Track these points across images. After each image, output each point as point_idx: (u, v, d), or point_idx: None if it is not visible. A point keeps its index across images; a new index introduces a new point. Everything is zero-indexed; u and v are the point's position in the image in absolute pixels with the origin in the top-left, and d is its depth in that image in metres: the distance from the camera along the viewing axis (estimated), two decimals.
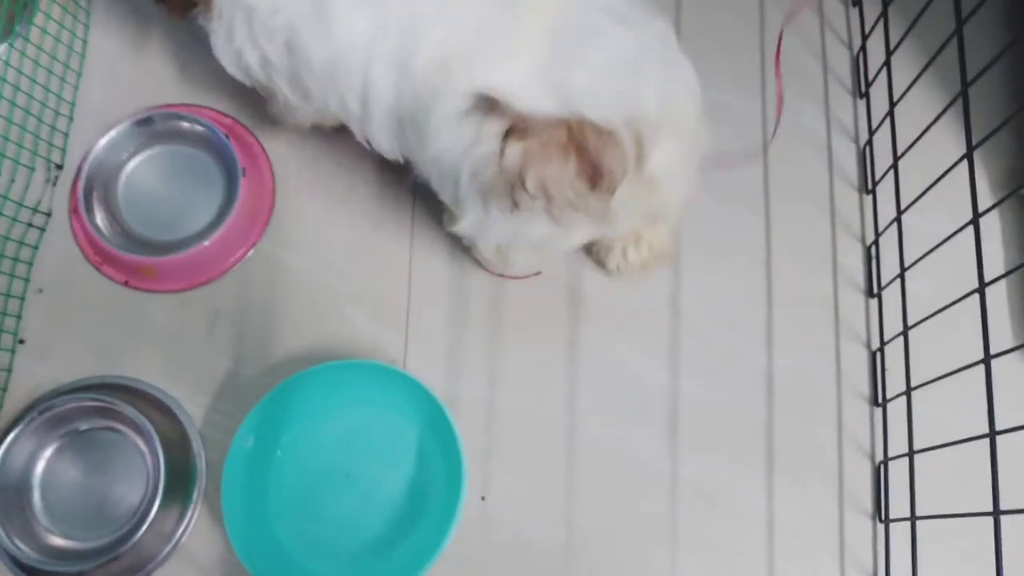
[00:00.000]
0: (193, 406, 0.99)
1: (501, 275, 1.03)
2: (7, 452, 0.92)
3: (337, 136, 1.08)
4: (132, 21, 1.16)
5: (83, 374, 1.00)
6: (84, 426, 0.96)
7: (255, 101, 1.05)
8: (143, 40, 1.15)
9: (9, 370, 1.00)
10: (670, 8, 1.17)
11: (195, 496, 0.95)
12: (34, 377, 1.00)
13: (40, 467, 0.95)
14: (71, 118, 1.12)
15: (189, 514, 0.94)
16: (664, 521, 0.96)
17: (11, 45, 1.10)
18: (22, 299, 1.03)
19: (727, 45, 1.16)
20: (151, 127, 1.07)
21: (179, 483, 0.94)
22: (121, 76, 1.14)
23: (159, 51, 1.14)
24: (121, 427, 0.96)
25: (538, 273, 1.04)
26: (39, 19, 1.13)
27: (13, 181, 1.05)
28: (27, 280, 1.04)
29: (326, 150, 1.09)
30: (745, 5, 1.18)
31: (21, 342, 1.02)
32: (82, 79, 1.13)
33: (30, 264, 1.04)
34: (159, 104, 1.09)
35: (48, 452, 0.96)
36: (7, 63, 1.07)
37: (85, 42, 1.15)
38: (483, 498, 0.97)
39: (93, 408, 0.95)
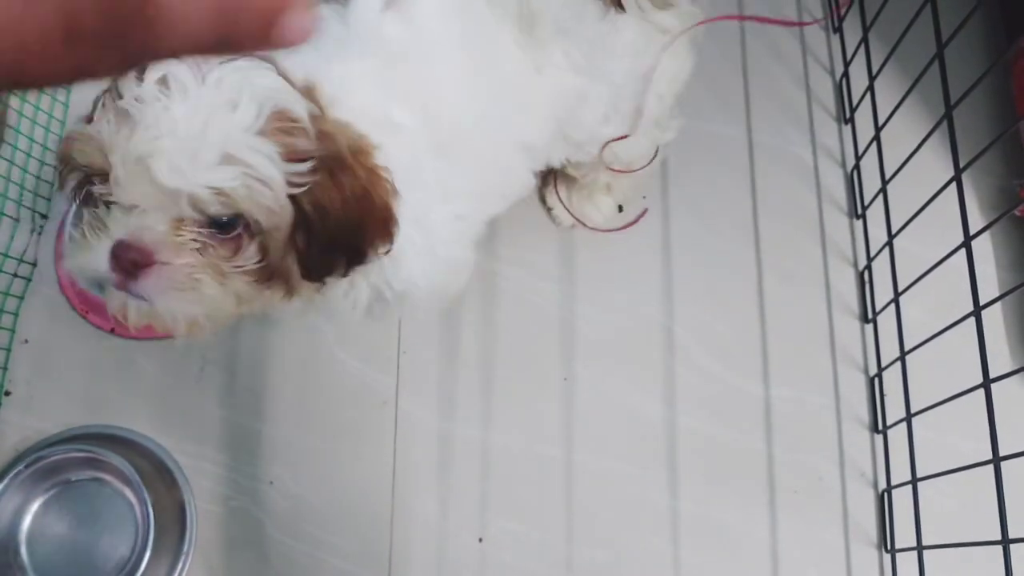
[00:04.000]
0: (182, 454, 0.97)
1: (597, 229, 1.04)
2: None
3: None
4: None
5: (70, 424, 0.98)
6: (71, 478, 0.94)
7: None
8: None
9: None
10: None
11: (185, 547, 0.93)
12: (21, 429, 0.99)
13: (27, 522, 0.93)
14: (63, 121, 1.11)
15: (180, 565, 0.92)
16: (666, 558, 0.94)
17: None
18: (8, 351, 1.01)
19: None
20: None
21: (169, 534, 0.92)
22: None
23: None
24: (109, 478, 0.94)
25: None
26: None
27: None
28: (13, 331, 1.02)
29: None
30: None
31: (7, 394, 1.00)
32: (65, 128, 1.13)
33: (16, 315, 1.03)
34: None
35: (35, 506, 0.94)
36: None
37: (68, 91, 1.15)
38: (480, 540, 0.95)
39: (80, 459, 0.93)
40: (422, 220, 0.68)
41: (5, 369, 1.01)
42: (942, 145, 0.85)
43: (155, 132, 0.53)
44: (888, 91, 1.03)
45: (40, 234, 1.07)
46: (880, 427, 0.98)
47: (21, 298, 1.04)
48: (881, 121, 1.01)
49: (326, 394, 1.00)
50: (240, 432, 0.98)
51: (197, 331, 0.62)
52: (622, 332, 1.03)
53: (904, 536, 0.92)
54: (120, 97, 0.55)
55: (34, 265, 1.06)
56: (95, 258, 0.57)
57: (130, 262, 0.56)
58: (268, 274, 0.61)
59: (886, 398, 0.99)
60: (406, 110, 0.66)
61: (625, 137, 0.85)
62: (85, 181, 0.59)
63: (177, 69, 0.55)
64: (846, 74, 1.14)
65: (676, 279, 1.05)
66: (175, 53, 0.23)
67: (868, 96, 1.05)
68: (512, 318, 1.03)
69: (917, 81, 0.91)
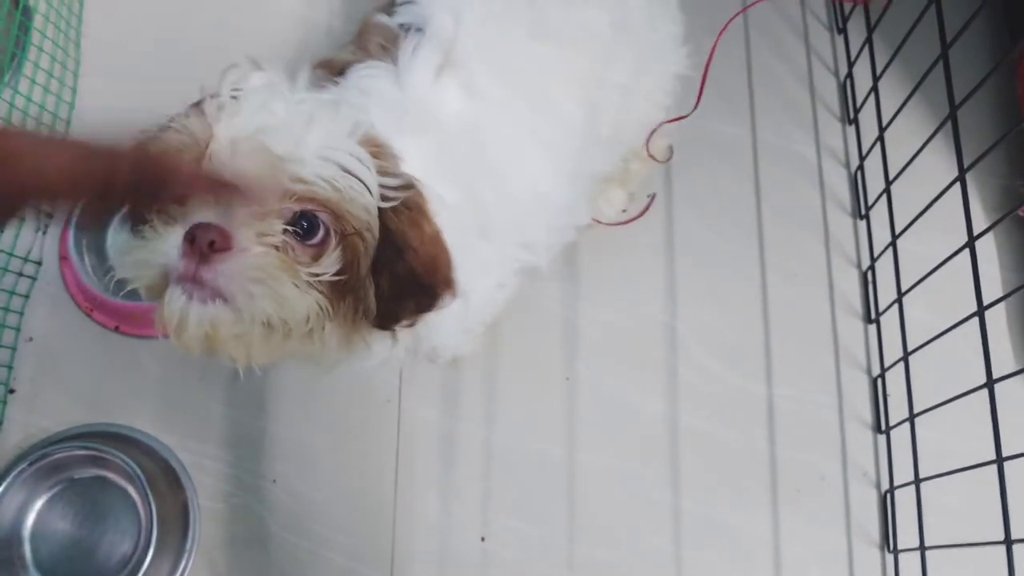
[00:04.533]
0: (185, 452, 0.97)
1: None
2: None
3: None
4: (119, 69, 1.16)
5: (74, 422, 0.99)
6: (75, 475, 0.95)
7: None
8: (130, 89, 1.15)
9: (0, 421, 0.99)
10: None
11: (188, 544, 0.93)
12: (25, 427, 0.99)
13: (31, 519, 0.94)
14: None
15: (183, 563, 0.92)
16: (667, 557, 0.94)
17: None
18: (13, 349, 1.02)
19: None
20: None
21: (172, 531, 0.92)
22: (109, 124, 1.13)
23: (147, 99, 1.14)
24: (112, 475, 0.94)
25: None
26: (28, 69, 1.13)
27: (3, 231, 1.05)
28: (18, 330, 1.03)
29: None
30: None
31: (12, 392, 1.00)
32: (71, 127, 1.13)
33: (21, 314, 1.03)
34: None
35: (39, 503, 0.94)
36: None
37: (74, 91, 1.15)
38: (483, 539, 0.95)
39: (84, 457, 0.93)
40: (463, 294, 0.66)
41: (10, 367, 1.01)
42: (946, 146, 0.86)
43: (263, 114, 0.53)
44: (892, 92, 1.03)
45: (45, 233, 1.08)
46: (883, 427, 0.98)
47: (26, 297, 1.04)
48: (885, 122, 1.01)
49: (330, 392, 1.00)
50: (243, 430, 0.98)
51: (256, 352, 0.57)
52: (624, 331, 1.03)
53: (907, 536, 0.92)
54: (217, 96, 0.55)
55: (39, 264, 1.06)
56: (165, 245, 0.53)
57: (208, 243, 0.51)
58: (343, 292, 0.57)
59: (889, 398, 0.99)
60: (456, 190, 0.64)
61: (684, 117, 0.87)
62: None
63: (275, 76, 0.56)
64: (850, 75, 1.14)
65: (679, 278, 1.05)
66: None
67: (872, 97, 1.05)
68: (514, 318, 1.03)
69: (921, 82, 0.91)
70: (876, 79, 1.03)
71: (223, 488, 0.96)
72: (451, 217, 0.62)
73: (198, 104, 0.55)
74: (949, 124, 0.82)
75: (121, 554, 0.93)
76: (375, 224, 0.56)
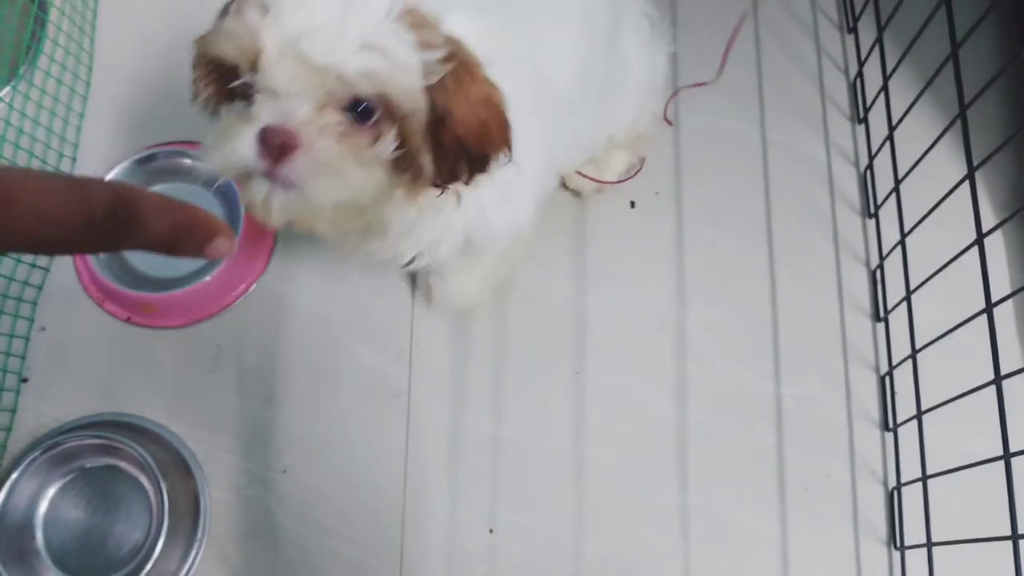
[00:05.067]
0: (196, 442, 0.98)
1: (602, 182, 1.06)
2: (10, 492, 0.91)
3: None
4: (133, 61, 1.17)
5: (86, 412, 1.00)
6: (87, 464, 0.96)
7: None
8: (144, 80, 1.16)
9: (14, 410, 1.00)
10: None
11: (199, 534, 0.94)
12: (37, 416, 1.00)
13: (43, 507, 0.95)
14: (74, 159, 1.12)
15: (193, 553, 0.93)
16: (675, 553, 0.95)
17: (15, 88, 1.12)
18: (26, 339, 1.03)
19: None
20: (153, 164, 1.07)
21: (183, 521, 0.93)
22: (123, 115, 1.15)
23: (160, 90, 1.15)
24: (124, 464, 0.95)
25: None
26: (42, 62, 1.14)
27: None
28: (31, 320, 1.04)
29: None
30: None
31: (24, 381, 1.01)
32: (84, 120, 1.14)
33: (34, 304, 1.04)
34: (161, 142, 1.10)
35: (51, 491, 0.95)
36: (11, 106, 1.08)
37: (88, 84, 1.16)
38: (491, 531, 0.95)
39: (96, 446, 0.94)
40: (517, 164, 0.70)
41: (23, 357, 1.02)
42: (955, 144, 0.86)
43: (301, 16, 0.55)
44: (902, 91, 1.03)
45: None
46: (890, 425, 0.99)
47: (40, 287, 1.05)
48: (895, 121, 1.02)
49: (339, 385, 1.01)
50: (254, 421, 0.99)
51: (336, 224, 0.64)
52: (633, 327, 1.03)
53: (913, 533, 0.93)
54: None
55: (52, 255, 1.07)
56: (242, 146, 0.58)
57: (277, 147, 0.57)
58: (404, 166, 0.63)
59: (896, 396, 0.99)
60: (511, 69, 0.67)
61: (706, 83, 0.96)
62: (222, 79, 0.62)
63: None
64: (860, 74, 1.15)
65: (687, 275, 1.06)
66: (142, 247, 0.34)
67: (882, 96, 1.05)
68: (523, 313, 1.04)
69: (931, 81, 0.91)
70: (886, 78, 1.04)
71: (233, 479, 0.97)
72: (502, 84, 0.65)
73: (239, 4, 0.59)
74: (958, 123, 0.83)
75: (132, 542, 0.93)
76: (424, 98, 0.60)
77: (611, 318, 1.04)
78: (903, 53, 0.98)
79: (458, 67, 0.61)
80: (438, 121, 0.61)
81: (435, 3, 0.62)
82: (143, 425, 0.98)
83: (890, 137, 1.02)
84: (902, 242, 0.98)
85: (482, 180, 0.68)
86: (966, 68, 0.83)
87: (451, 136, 0.62)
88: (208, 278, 1.00)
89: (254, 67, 0.57)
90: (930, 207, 0.90)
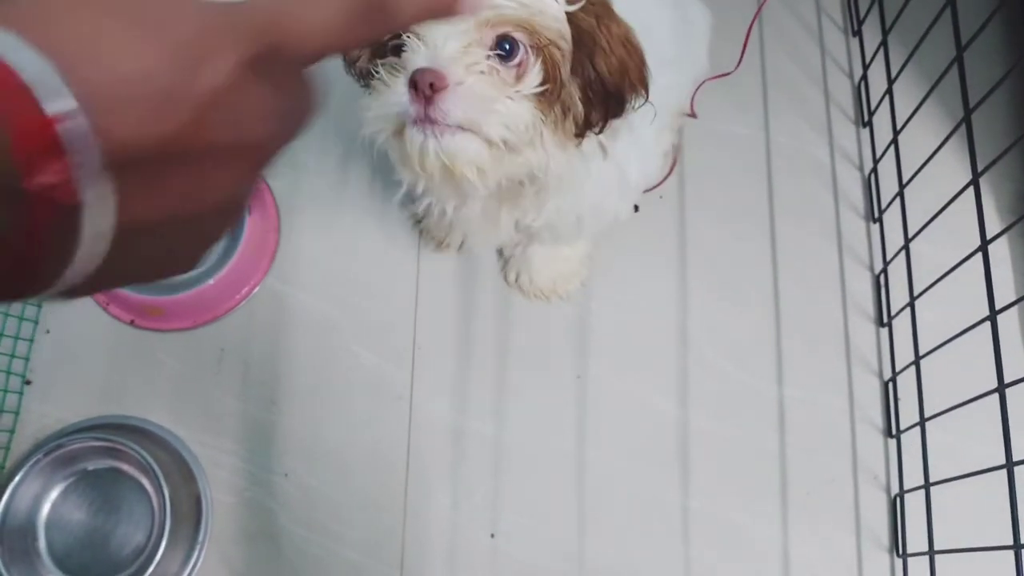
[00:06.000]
0: (198, 445, 0.98)
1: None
2: (13, 494, 0.91)
3: (342, 172, 1.08)
4: None
5: (89, 414, 1.00)
6: (90, 466, 0.96)
7: None
8: None
9: (17, 412, 1.00)
10: None
11: (201, 537, 0.94)
12: (41, 417, 1.00)
13: (46, 509, 0.95)
14: None
15: (195, 555, 0.93)
16: (677, 557, 0.94)
17: None
18: (31, 341, 1.03)
19: None
20: None
21: (185, 523, 0.93)
22: None
23: None
24: (126, 467, 0.96)
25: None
26: None
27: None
28: (36, 322, 1.04)
29: (330, 186, 1.10)
30: None
31: (28, 383, 1.02)
32: None
33: (39, 306, 1.05)
34: None
35: (54, 494, 0.95)
36: None
37: None
38: (492, 535, 0.95)
39: (99, 448, 0.94)
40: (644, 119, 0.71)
41: (27, 359, 1.02)
42: (960, 149, 0.85)
43: None
44: (907, 94, 1.03)
45: None
46: (894, 431, 0.98)
47: None
48: (899, 124, 1.01)
49: (342, 388, 1.01)
50: (256, 424, 0.99)
51: (489, 170, 0.64)
52: (636, 330, 1.03)
53: (916, 540, 0.92)
54: None
55: None
56: (396, 92, 0.60)
57: (428, 85, 0.59)
58: (550, 101, 0.63)
59: (900, 402, 0.99)
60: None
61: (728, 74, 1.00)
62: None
63: None
64: (865, 77, 1.14)
65: (690, 279, 1.05)
66: (401, 28, 0.37)
67: (887, 99, 1.05)
68: (526, 315, 1.04)
69: (936, 85, 0.91)
70: (891, 81, 1.03)
71: (235, 481, 0.97)
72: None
73: None
74: (963, 127, 0.82)
75: (134, 544, 0.94)
76: (567, 30, 0.62)
77: (614, 321, 1.04)
78: (908, 56, 0.98)
79: (598, 4, 0.62)
80: (585, 54, 0.63)
81: None
82: (146, 428, 0.99)
83: (895, 140, 1.02)
84: (906, 247, 0.97)
85: (617, 127, 0.69)
86: (971, 71, 0.82)
87: (598, 68, 0.63)
88: (212, 281, 1.00)
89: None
90: (935, 211, 0.89)
